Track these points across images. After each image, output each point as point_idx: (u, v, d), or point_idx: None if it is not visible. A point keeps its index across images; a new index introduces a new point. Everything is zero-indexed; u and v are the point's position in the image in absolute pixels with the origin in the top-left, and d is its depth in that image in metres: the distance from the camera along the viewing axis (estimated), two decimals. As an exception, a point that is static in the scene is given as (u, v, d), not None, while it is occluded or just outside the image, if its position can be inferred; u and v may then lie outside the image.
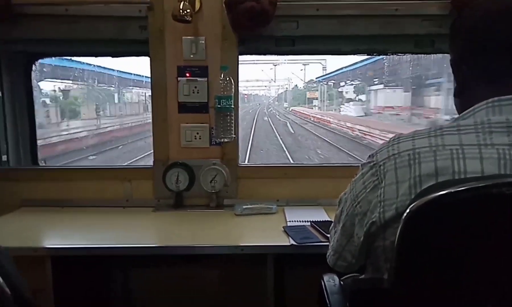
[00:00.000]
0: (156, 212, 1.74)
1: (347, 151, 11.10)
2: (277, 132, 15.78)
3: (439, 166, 0.69)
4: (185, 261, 1.77)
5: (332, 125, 17.19)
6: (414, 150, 0.73)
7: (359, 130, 13.72)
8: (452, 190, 0.62)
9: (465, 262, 0.66)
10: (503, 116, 0.72)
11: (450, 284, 0.67)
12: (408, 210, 0.65)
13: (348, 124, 15.16)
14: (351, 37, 1.76)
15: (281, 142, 13.27)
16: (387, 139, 0.82)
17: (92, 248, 1.38)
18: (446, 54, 1.75)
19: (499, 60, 0.77)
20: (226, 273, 1.84)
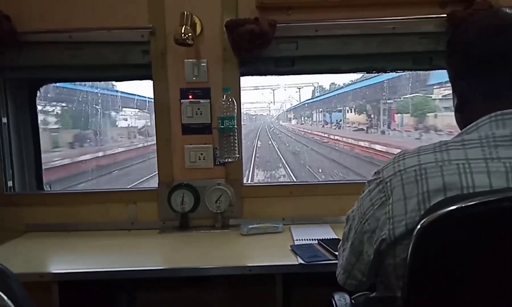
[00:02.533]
0: (161, 234, 1.74)
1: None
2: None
3: (447, 181, 0.70)
4: (192, 283, 1.76)
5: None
6: (420, 165, 0.74)
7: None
8: (463, 205, 0.63)
9: (478, 277, 0.66)
10: (507, 129, 0.73)
11: (464, 299, 0.67)
12: (419, 226, 0.66)
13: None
14: (350, 56, 1.79)
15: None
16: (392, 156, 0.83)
17: (98, 272, 1.37)
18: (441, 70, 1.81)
19: (497, 74, 0.78)
20: (233, 294, 1.82)
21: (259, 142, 16.85)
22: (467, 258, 0.66)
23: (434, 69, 1.83)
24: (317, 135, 17.21)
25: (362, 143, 12.47)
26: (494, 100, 0.78)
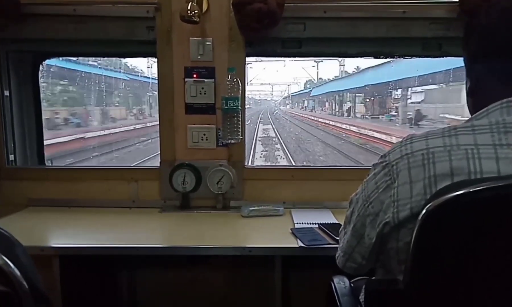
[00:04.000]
0: (162, 213, 1.74)
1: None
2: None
3: (454, 166, 0.69)
4: (192, 262, 1.77)
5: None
6: (428, 149, 0.73)
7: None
8: (470, 190, 0.62)
9: (482, 263, 0.65)
10: None
11: (467, 284, 0.66)
12: (424, 211, 0.65)
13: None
14: (358, 40, 1.76)
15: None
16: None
17: (99, 247, 1.38)
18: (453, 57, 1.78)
19: None
20: (232, 275, 1.83)
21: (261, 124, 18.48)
22: (472, 244, 0.65)
23: (444, 56, 1.79)
24: (298, 114, 22.82)
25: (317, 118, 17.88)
26: (508, 85, 0.76)
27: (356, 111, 16.32)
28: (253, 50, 1.78)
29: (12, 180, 1.82)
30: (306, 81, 26.72)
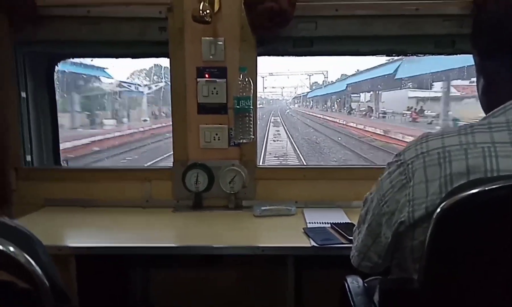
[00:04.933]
0: (175, 212, 1.76)
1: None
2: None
3: (471, 164, 0.68)
4: (204, 261, 1.78)
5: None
6: (444, 148, 0.72)
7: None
8: (486, 188, 0.61)
9: (497, 261, 0.64)
10: None
11: (482, 283, 0.66)
12: (439, 209, 0.65)
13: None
14: (370, 38, 1.74)
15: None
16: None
17: (114, 247, 1.39)
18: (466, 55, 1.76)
19: None
20: (245, 274, 1.84)
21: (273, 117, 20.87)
22: (487, 242, 0.64)
23: (457, 53, 1.77)
24: (307, 113, 26.04)
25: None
26: None
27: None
28: (264, 50, 1.78)
29: (29, 181, 1.85)
30: (312, 83, 30.86)
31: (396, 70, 13.00)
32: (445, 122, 11.17)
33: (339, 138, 12.58)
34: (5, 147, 1.77)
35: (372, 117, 16.38)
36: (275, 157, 9.73)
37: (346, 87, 20.27)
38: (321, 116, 21.42)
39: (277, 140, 12.88)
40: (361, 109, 18.87)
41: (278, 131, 15.55)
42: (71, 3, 1.71)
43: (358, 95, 19.70)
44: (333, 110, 22.86)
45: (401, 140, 9.95)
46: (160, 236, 1.53)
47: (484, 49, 0.84)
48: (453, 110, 11.28)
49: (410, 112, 13.99)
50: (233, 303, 1.84)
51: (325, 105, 25.69)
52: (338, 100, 22.33)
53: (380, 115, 16.03)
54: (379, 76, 15.09)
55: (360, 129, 13.92)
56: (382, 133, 11.90)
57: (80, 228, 1.62)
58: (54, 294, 0.73)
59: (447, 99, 11.48)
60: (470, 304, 0.67)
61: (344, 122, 16.56)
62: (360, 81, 18.44)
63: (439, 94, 11.98)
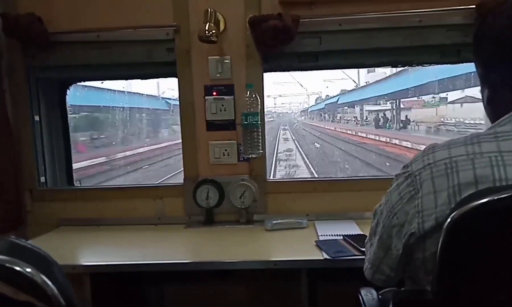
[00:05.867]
0: (187, 228, 1.77)
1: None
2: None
3: (478, 174, 0.69)
4: (218, 277, 1.78)
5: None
6: (451, 158, 0.73)
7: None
8: (495, 198, 0.62)
9: (510, 269, 0.64)
10: None
11: (495, 292, 0.66)
12: (449, 220, 0.65)
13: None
14: (374, 50, 1.76)
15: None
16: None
17: (129, 264, 1.41)
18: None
19: None
20: (258, 289, 1.84)
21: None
22: (498, 251, 0.65)
23: (463, 62, 1.78)
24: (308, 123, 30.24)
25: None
26: None
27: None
28: (270, 66, 1.81)
29: (43, 201, 1.89)
30: (316, 98, 34.37)
31: (338, 98, 23.30)
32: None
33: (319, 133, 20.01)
34: (20, 169, 1.83)
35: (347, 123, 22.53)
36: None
37: (325, 106, 27.69)
38: (317, 124, 27.25)
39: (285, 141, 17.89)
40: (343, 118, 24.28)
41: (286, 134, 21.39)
42: (81, 29, 1.76)
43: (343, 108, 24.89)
44: (326, 120, 28.54)
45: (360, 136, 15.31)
46: (173, 252, 1.55)
47: (486, 59, 0.85)
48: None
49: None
50: None
51: (321, 116, 31.13)
52: (328, 113, 28.40)
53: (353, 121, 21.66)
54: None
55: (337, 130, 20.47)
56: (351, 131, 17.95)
57: (94, 246, 1.65)
58: None
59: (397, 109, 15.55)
60: (485, 313, 0.67)
61: (332, 128, 22.23)
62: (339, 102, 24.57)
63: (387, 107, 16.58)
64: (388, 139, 12.59)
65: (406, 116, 15.02)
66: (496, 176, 0.67)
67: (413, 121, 14.96)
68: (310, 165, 10.74)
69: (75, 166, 2.13)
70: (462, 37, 1.67)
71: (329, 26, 1.70)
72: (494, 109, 0.84)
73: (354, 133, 16.78)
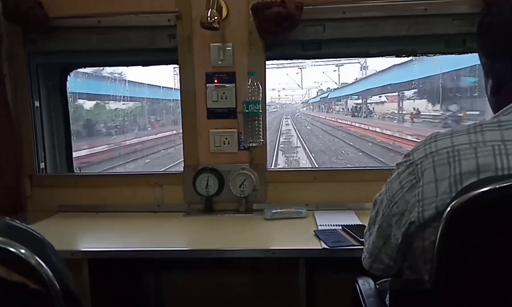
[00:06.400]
0: (186, 216, 1.77)
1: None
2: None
3: (481, 163, 0.68)
4: (216, 265, 1.78)
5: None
6: (453, 147, 0.72)
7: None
8: (497, 186, 0.61)
9: (509, 260, 0.63)
10: None
11: (493, 282, 0.65)
12: (449, 208, 0.64)
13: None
14: (379, 39, 1.74)
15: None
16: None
17: (127, 251, 1.41)
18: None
19: None
20: (256, 277, 1.84)
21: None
22: (499, 241, 0.63)
23: (468, 52, 1.74)
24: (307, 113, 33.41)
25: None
26: None
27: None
28: (273, 54, 1.79)
29: (43, 187, 1.89)
30: (318, 90, 35.43)
31: (328, 94, 27.79)
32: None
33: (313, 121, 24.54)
34: (20, 154, 1.82)
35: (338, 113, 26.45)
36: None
37: (320, 99, 31.31)
38: (313, 114, 30.68)
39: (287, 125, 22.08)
40: (336, 109, 27.87)
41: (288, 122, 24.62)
42: (82, 14, 1.74)
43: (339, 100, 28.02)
44: (322, 111, 31.61)
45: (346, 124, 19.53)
46: (172, 240, 1.55)
47: (490, 49, 0.84)
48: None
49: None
50: (245, 306, 1.84)
51: (319, 107, 34.13)
52: (325, 104, 31.58)
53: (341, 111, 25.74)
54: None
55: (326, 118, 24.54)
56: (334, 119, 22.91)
57: (92, 233, 1.65)
58: (65, 296, 0.74)
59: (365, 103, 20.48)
60: (482, 303, 0.66)
61: (326, 117, 25.69)
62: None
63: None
64: (354, 123, 18.43)
65: (373, 108, 19.86)
66: (499, 165, 0.66)
67: (374, 112, 19.87)
68: (302, 140, 14.80)
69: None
70: (468, 26, 1.64)
71: (333, 14, 1.68)
72: (498, 99, 0.83)
73: (335, 120, 22.66)
